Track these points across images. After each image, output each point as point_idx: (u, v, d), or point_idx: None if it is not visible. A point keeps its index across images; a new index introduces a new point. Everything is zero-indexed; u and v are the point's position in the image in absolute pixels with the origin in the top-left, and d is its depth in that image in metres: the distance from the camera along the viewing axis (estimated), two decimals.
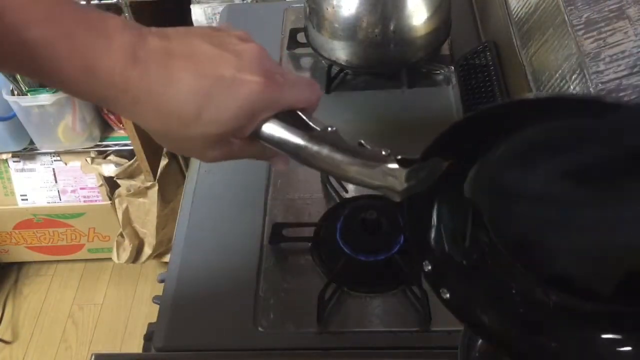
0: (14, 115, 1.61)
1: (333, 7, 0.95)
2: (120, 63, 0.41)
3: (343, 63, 1.01)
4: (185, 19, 1.58)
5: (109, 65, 0.40)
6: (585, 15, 0.74)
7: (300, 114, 0.47)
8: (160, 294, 0.82)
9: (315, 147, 0.46)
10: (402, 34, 0.95)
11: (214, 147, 0.46)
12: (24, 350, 1.84)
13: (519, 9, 0.95)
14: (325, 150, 0.45)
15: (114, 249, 1.82)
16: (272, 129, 0.46)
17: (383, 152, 0.45)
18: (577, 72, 0.72)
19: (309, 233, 0.84)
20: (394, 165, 0.44)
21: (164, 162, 1.74)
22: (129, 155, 1.73)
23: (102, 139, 1.71)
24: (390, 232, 0.79)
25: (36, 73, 0.41)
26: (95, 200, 1.83)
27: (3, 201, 1.83)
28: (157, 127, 0.44)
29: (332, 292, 0.78)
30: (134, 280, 1.96)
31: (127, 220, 1.79)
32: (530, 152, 0.40)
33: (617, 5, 0.72)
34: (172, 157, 1.76)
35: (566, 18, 0.76)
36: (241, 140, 0.47)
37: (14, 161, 1.78)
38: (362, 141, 0.46)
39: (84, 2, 1.49)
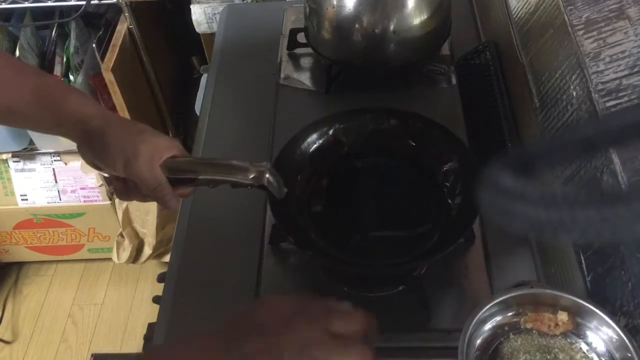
0: None
1: (333, 7, 0.95)
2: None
3: (343, 63, 1.01)
4: (185, 19, 1.58)
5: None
6: (585, 15, 0.74)
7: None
8: (160, 294, 0.82)
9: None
10: (402, 34, 0.95)
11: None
12: (24, 350, 1.84)
13: (519, 9, 0.94)
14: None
15: (114, 249, 1.82)
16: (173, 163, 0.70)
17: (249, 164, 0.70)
18: (577, 72, 0.72)
19: None
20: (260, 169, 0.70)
21: None
22: None
23: None
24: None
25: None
26: (95, 200, 1.82)
27: (3, 201, 1.83)
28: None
29: (332, 292, 0.78)
30: (134, 280, 1.96)
31: (127, 220, 1.79)
32: None
33: (617, 5, 0.72)
34: None
35: (566, 18, 0.76)
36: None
37: (14, 161, 1.78)
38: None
39: (84, 2, 1.48)
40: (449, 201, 0.76)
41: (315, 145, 0.82)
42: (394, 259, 0.74)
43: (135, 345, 1.78)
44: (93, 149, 0.70)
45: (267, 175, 0.70)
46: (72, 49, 1.60)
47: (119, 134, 0.69)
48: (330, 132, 0.82)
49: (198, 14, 1.45)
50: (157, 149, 0.69)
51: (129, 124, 0.73)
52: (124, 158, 0.68)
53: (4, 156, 1.73)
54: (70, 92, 0.72)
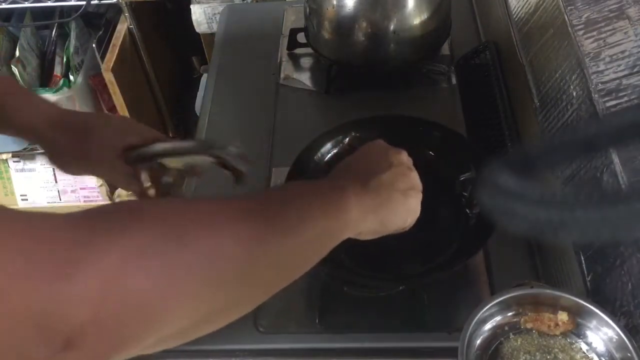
0: None
1: (333, 7, 0.95)
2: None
3: (343, 63, 1.01)
4: (185, 19, 1.57)
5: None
6: (585, 15, 0.74)
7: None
8: None
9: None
10: (402, 33, 0.95)
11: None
12: None
13: (519, 9, 0.95)
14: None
15: None
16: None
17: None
18: (577, 72, 0.72)
19: None
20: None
21: None
22: None
23: None
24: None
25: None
26: (95, 200, 1.82)
27: (3, 201, 1.83)
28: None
29: (332, 292, 0.78)
30: None
31: None
32: None
33: (617, 5, 0.72)
34: None
35: (566, 18, 0.76)
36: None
37: (14, 161, 1.78)
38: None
39: (84, 2, 1.48)
40: (467, 211, 0.75)
41: (330, 155, 0.82)
42: (412, 268, 0.73)
43: None
44: (53, 157, 0.68)
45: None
46: (72, 49, 1.60)
47: (66, 139, 0.65)
48: (346, 140, 0.82)
49: (198, 14, 1.45)
50: (106, 146, 0.65)
51: (73, 122, 0.67)
52: (80, 165, 0.66)
53: (4, 156, 1.73)
54: (16, 98, 0.67)
